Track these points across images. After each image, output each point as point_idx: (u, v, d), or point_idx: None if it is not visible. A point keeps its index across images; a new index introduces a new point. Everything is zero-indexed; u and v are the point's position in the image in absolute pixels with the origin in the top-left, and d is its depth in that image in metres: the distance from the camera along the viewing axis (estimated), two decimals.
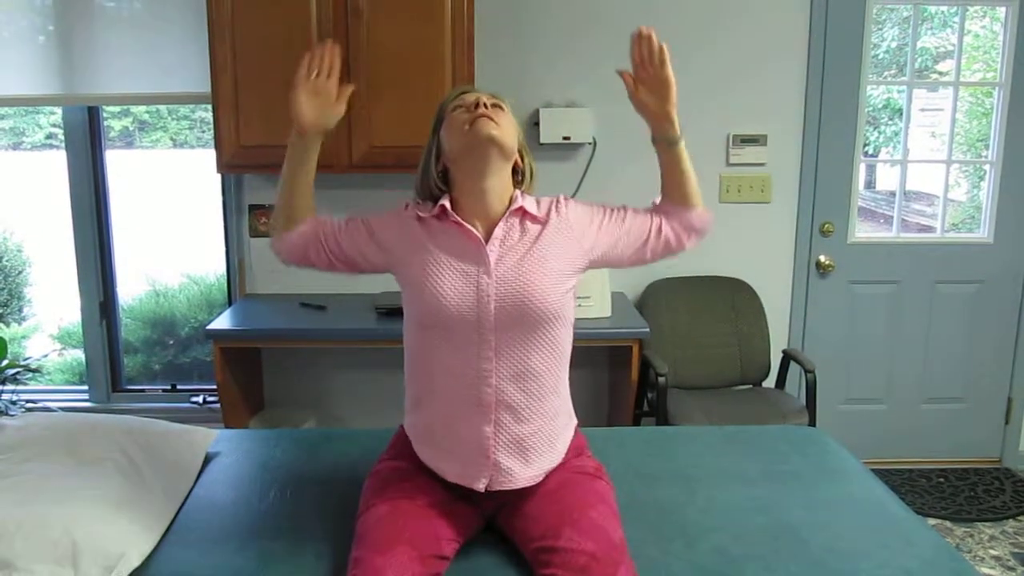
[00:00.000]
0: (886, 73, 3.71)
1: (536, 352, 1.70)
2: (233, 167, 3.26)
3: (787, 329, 3.75)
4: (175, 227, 7.02)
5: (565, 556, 1.54)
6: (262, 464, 2.16)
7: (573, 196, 3.51)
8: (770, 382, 3.58)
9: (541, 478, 1.73)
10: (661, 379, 3.18)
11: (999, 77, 3.64)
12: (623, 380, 3.32)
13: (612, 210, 1.82)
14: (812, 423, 3.21)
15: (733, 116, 3.57)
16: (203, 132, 5.81)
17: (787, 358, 3.52)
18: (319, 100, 1.70)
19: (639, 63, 1.67)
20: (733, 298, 3.60)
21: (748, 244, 3.67)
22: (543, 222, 1.75)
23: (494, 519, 1.77)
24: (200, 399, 3.76)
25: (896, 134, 3.77)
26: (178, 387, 3.89)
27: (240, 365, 3.39)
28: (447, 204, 1.73)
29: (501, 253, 1.70)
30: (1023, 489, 3.64)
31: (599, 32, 3.47)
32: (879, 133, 3.86)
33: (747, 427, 2.51)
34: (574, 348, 1.82)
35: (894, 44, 3.72)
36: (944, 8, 3.62)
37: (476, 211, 1.74)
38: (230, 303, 3.65)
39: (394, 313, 3.22)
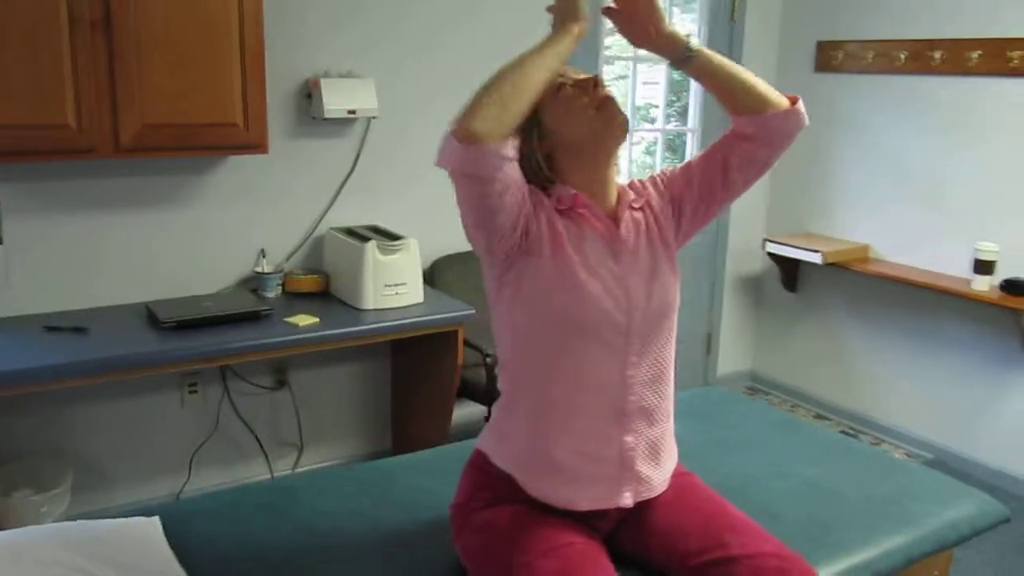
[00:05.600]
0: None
1: (665, 350, 1.61)
2: None
3: None
4: None
5: (751, 564, 1.49)
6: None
7: (349, 175, 3.29)
8: None
9: (669, 481, 1.66)
10: (489, 359, 3.15)
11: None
12: (441, 367, 3.21)
13: (676, 166, 1.72)
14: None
15: None
16: None
17: None
18: None
19: None
20: None
21: None
22: (643, 209, 1.64)
23: (609, 543, 1.64)
24: None
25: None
26: None
27: None
28: (581, 196, 1.54)
29: (634, 249, 1.57)
30: None
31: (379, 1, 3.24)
32: None
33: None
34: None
35: None
36: None
37: (599, 203, 1.57)
38: None
39: (186, 326, 2.70)
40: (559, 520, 1.55)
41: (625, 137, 1.56)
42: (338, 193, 3.31)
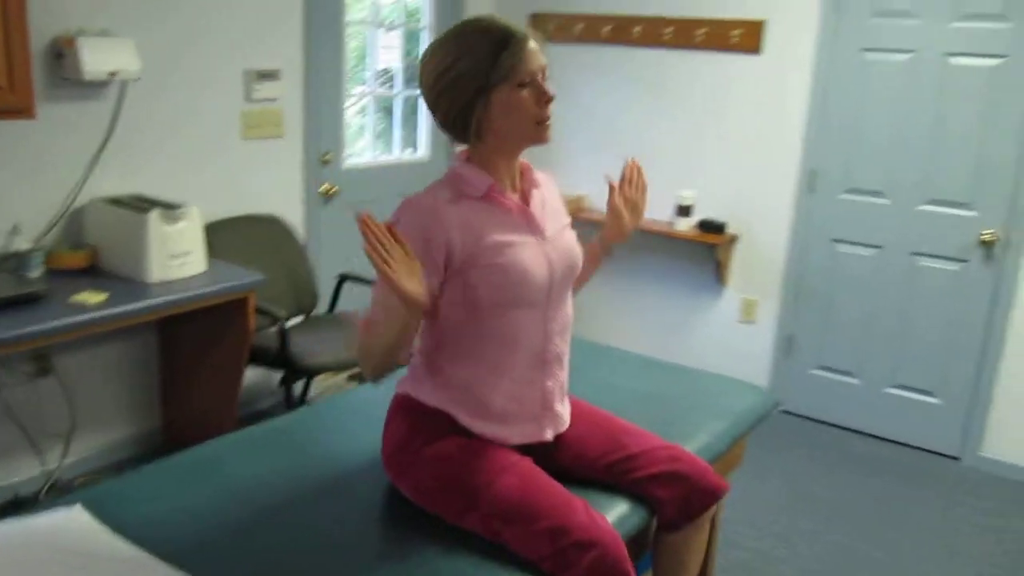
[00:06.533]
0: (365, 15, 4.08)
1: (569, 301, 1.86)
2: None
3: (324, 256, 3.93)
4: None
5: (648, 458, 1.82)
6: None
7: (107, 141, 3.08)
8: (321, 308, 3.78)
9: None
10: (278, 325, 3.16)
11: (426, 22, 4.39)
12: (227, 336, 3.15)
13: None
14: None
15: (251, 51, 3.51)
16: None
17: (342, 281, 3.76)
18: (407, 268, 1.48)
19: (626, 182, 2.02)
20: (270, 233, 3.64)
21: (270, 179, 3.71)
22: (542, 183, 1.85)
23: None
24: None
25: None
26: None
27: None
28: (495, 184, 1.71)
29: (541, 218, 1.77)
30: None
31: None
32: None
33: None
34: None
35: None
36: None
37: (507, 178, 1.75)
38: None
39: None
40: (499, 446, 1.75)
41: None
42: (95, 161, 3.08)
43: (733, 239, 4.19)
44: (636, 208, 2.03)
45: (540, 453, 1.81)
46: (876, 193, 3.85)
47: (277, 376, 3.54)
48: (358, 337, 1.64)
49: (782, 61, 3.97)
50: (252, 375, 3.57)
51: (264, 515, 1.72)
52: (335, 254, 4.02)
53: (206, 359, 3.27)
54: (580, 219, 4.34)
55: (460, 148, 1.78)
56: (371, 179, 4.24)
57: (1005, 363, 3.66)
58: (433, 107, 1.70)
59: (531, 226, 1.75)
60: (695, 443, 2.07)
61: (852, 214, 3.92)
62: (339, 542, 1.65)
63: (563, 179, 4.73)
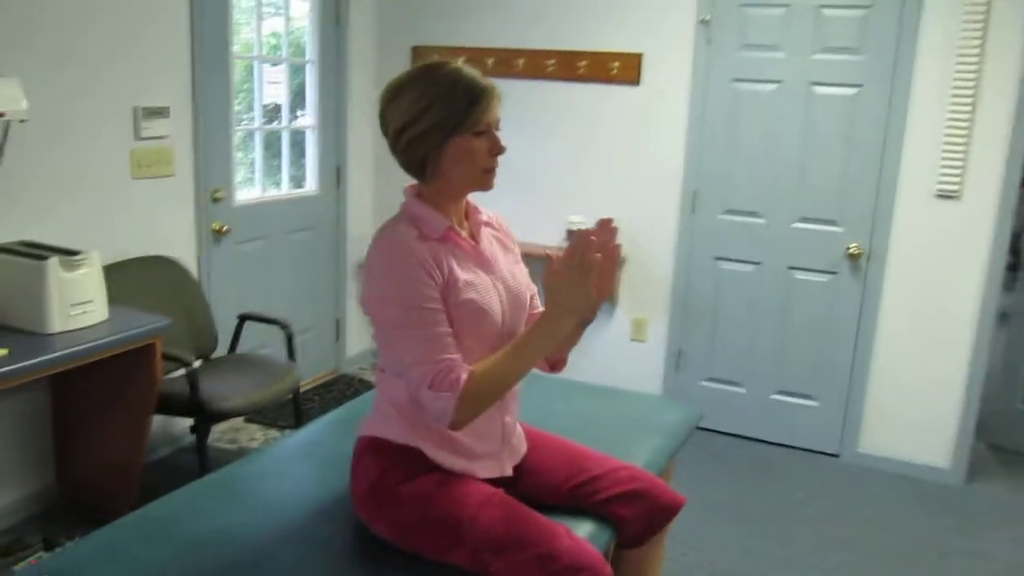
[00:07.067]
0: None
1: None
2: None
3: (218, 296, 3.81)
4: None
5: (610, 479, 1.90)
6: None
7: None
8: (222, 350, 3.67)
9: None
10: (189, 368, 3.06)
11: (311, 56, 4.36)
12: (132, 385, 3.01)
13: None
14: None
15: (140, 88, 3.40)
16: None
17: (243, 321, 3.67)
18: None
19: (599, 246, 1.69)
20: (166, 274, 3.51)
21: (162, 219, 3.59)
22: (489, 224, 1.90)
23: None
24: None
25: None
26: None
27: None
28: (454, 227, 1.75)
29: (492, 256, 1.83)
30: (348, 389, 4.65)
31: None
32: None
33: None
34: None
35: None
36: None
37: (455, 218, 1.80)
38: None
39: None
40: (471, 479, 1.79)
41: None
42: None
43: (622, 261, 4.37)
44: (607, 273, 1.74)
45: (504, 483, 1.86)
46: (753, 213, 4.13)
47: (174, 423, 3.42)
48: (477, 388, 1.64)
49: (661, 91, 4.20)
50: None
51: (237, 568, 1.69)
52: (228, 293, 3.93)
53: (109, 410, 3.12)
54: None
55: (410, 182, 1.82)
56: (262, 215, 4.16)
57: (875, 364, 3.99)
58: (394, 147, 1.75)
59: (483, 264, 1.81)
60: (639, 461, 2.17)
61: (732, 233, 4.18)
62: None
63: None
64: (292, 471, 2.13)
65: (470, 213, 1.87)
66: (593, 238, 1.63)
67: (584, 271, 1.61)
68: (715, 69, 4.08)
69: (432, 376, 1.62)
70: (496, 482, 1.83)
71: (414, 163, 1.73)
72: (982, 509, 3.72)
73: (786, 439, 4.24)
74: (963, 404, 3.87)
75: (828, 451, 4.17)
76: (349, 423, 2.34)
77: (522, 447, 1.95)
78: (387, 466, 1.77)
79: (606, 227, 1.69)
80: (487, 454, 1.84)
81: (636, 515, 1.90)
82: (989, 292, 3.75)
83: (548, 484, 1.93)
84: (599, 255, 1.62)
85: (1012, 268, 4.05)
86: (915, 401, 3.96)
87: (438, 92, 1.68)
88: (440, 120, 1.67)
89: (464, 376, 1.62)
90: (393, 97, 1.73)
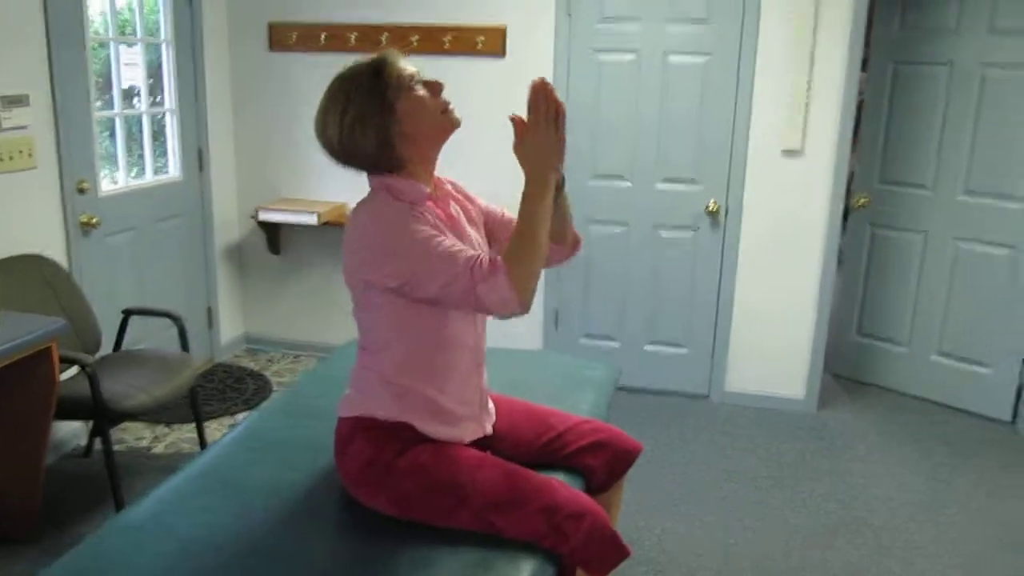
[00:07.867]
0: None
1: None
2: None
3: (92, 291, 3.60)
4: None
5: (575, 433, 2.06)
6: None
7: None
8: (107, 348, 3.50)
9: None
10: (88, 369, 2.92)
11: (166, 35, 4.17)
12: (25, 392, 2.84)
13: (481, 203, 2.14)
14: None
15: None
16: None
17: (128, 316, 3.51)
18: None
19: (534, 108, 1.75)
20: (39, 273, 3.31)
21: (27, 215, 3.37)
22: (459, 192, 1.97)
23: None
24: None
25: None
26: None
27: None
28: (429, 191, 1.80)
29: (463, 226, 1.90)
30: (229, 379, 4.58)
31: None
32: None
33: None
34: None
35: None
36: None
37: (428, 186, 1.85)
38: None
39: None
40: (461, 446, 1.88)
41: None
42: None
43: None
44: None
45: (483, 446, 1.97)
46: (619, 177, 4.37)
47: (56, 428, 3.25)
48: (516, 270, 1.66)
49: (525, 63, 4.33)
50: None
51: (239, 557, 1.71)
52: (103, 288, 3.75)
53: (3, 420, 2.93)
54: (340, 224, 4.41)
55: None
56: (130, 204, 3.98)
57: (736, 310, 4.36)
58: (350, 155, 1.79)
59: (459, 232, 1.89)
60: (585, 415, 2.33)
61: (601, 196, 4.40)
62: (323, 565, 1.70)
63: (319, 190, 4.77)
64: (266, 458, 2.11)
65: (438, 185, 1.94)
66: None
67: (552, 118, 1.73)
68: (576, 40, 4.26)
69: (470, 276, 1.66)
70: (480, 446, 1.93)
71: (376, 150, 1.77)
72: (835, 433, 4.17)
73: (658, 385, 4.56)
74: (812, 340, 4.32)
75: (698, 393, 4.53)
76: (295, 406, 2.37)
77: (493, 409, 2.06)
78: (379, 443, 1.83)
79: (543, 84, 1.73)
80: (469, 416, 1.93)
81: (602, 463, 2.07)
82: (830, 236, 4.18)
83: (520, 444, 2.05)
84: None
85: (845, 215, 4.51)
86: (772, 340, 4.36)
87: (349, 86, 1.76)
88: (365, 102, 1.74)
89: (497, 256, 1.69)
90: (322, 118, 1.79)
